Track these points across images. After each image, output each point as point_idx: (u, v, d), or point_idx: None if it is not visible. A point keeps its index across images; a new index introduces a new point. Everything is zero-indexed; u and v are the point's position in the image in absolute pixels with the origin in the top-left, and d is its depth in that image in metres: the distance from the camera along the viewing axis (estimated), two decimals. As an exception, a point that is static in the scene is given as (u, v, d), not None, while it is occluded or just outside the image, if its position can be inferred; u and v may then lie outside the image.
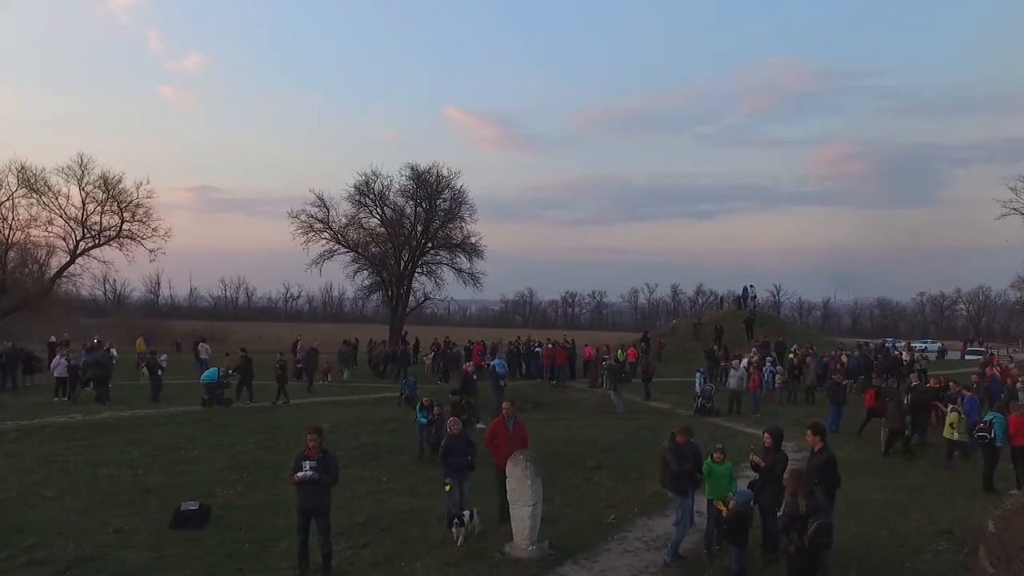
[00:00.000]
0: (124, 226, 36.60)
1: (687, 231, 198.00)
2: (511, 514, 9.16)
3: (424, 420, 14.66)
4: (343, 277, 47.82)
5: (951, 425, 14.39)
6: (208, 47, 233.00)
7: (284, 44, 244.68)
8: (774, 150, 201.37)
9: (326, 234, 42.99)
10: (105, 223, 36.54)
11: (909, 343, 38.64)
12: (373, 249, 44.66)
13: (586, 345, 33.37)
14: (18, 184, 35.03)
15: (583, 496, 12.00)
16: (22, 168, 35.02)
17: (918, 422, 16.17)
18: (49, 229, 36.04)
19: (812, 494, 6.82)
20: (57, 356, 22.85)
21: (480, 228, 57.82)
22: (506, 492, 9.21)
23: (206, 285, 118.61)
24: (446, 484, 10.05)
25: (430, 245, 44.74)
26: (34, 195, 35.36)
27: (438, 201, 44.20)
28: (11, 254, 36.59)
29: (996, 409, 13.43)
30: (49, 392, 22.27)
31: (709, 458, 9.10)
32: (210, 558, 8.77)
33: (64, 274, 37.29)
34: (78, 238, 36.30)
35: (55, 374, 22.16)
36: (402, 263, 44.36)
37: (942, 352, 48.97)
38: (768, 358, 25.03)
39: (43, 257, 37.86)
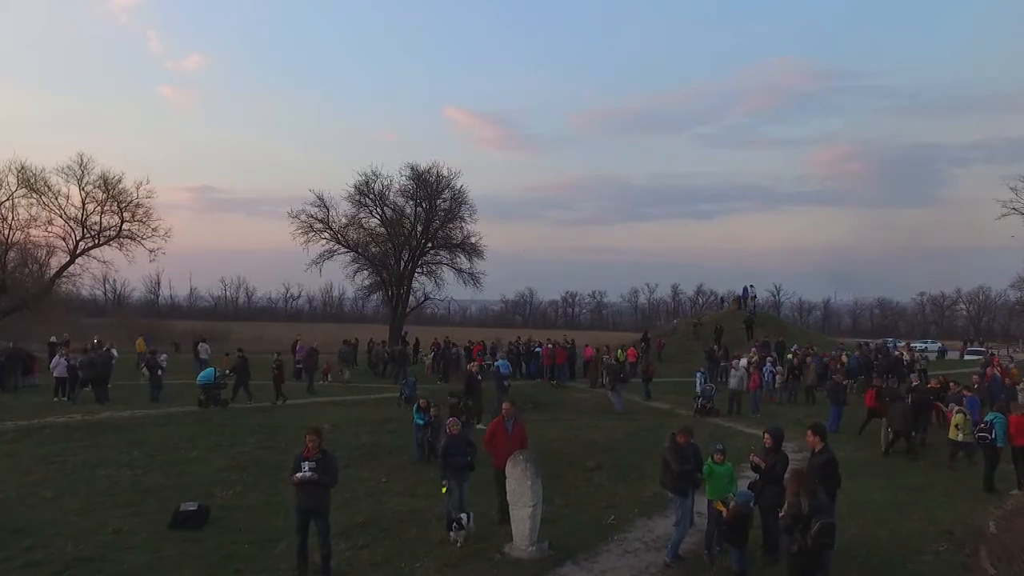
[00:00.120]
0: (124, 226, 36.61)
1: (687, 231, 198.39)
2: (511, 515, 9.14)
3: (420, 422, 14.61)
4: (343, 277, 47.88)
5: (956, 426, 14.34)
6: (208, 47, 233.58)
7: (284, 44, 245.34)
8: (774, 150, 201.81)
9: (326, 234, 43.04)
10: (105, 223, 36.60)
11: (909, 343, 38.68)
12: (373, 249, 44.64)
13: (586, 345, 33.40)
14: (18, 184, 35.10)
15: (583, 497, 11.98)
16: (22, 168, 35.10)
17: (919, 422, 16.15)
18: (49, 229, 36.11)
19: (814, 494, 6.79)
20: (57, 356, 22.82)
21: (480, 228, 57.91)
22: (506, 493, 9.19)
23: (206, 285, 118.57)
24: (443, 485, 10.02)
25: (430, 245, 44.73)
26: (34, 195, 35.41)
27: (438, 201, 44.20)
28: (11, 254, 36.55)
29: (997, 409, 13.40)
30: (48, 392, 22.26)
31: (709, 459, 9.08)
32: (209, 559, 8.76)
33: (64, 274, 37.27)
34: (78, 238, 36.34)
35: (54, 374, 22.14)
36: (402, 263, 44.34)
37: (942, 352, 48.95)
38: (768, 358, 24.98)
39: (43, 257, 37.88)
